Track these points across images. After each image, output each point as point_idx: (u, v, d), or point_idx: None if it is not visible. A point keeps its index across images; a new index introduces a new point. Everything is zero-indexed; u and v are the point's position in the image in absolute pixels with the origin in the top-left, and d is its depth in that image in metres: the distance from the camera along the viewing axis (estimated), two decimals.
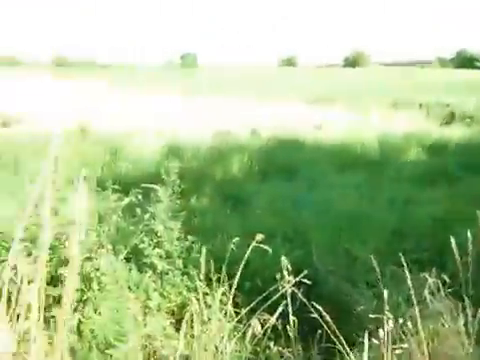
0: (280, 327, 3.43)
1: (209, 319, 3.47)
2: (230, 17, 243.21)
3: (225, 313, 3.50)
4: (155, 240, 4.40)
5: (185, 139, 13.58)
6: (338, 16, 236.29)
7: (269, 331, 3.38)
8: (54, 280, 3.83)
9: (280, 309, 3.31)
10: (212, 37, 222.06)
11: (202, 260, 3.88)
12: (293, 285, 3.37)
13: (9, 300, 2.97)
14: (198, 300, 3.65)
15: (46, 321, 3.69)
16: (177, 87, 37.97)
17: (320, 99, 28.84)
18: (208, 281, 3.83)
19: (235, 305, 3.64)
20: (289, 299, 3.30)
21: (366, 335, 2.81)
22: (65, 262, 3.72)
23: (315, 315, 3.18)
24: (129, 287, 4.02)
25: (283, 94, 32.01)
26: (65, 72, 66.27)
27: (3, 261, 3.45)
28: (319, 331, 3.32)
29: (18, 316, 2.93)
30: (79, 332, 3.59)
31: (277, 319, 3.36)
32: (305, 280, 3.33)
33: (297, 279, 3.36)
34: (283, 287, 3.32)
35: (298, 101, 28.02)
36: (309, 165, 10.68)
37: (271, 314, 3.38)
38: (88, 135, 12.50)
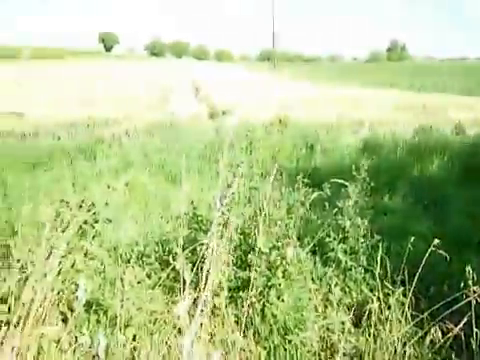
0: (463, 338, 3.27)
1: (387, 319, 3.44)
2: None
3: (403, 314, 3.44)
4: (341, 235, 4.44)
5: (384, 134, 13.30)
6: None
7: (450, 340, 3.24)
8: (244, 264, 4.11)
9: (465, 319, 3.15)
10: (423, 27, 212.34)
11: (386, 259, 3.86)
12: None
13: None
14: (379, 299, 3.64)
15: (234, 301, 3.99)
16: (381, 79, 37.09)
17: None
18: (390, 281, 3.79)
19: (416, 308, 3.56)
20: (473, 310, 3.12)
21: None
22: (253, 248, 3.98)
23: None
24: (312, 279, 4.14)
25: None
26: (271, 65, 68.84)
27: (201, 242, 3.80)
28: None
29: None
30: (262, 315, 3.80)
31: (461, 330, 3.21)
32: None
33: None
34: (468, 296, 3.15)
35: None
36: None
37: (454, 323, 3.23)
38: (287, 127, 12.89)
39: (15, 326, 2.37)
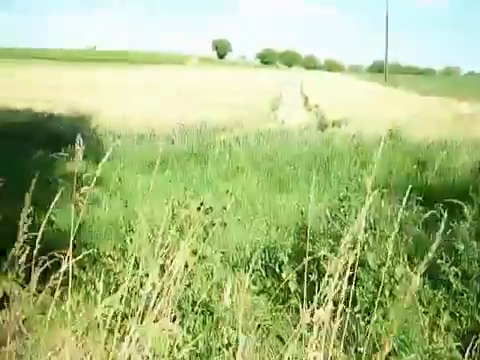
0: None
1: None
2: None
3: None
4: (454, 258, 4.28)
5: None
6: None
7: None
8: (350, 278, 4.07)
9: None
10: None
11: None
12: None
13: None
14: None
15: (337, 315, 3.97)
16: None
17: None
18: None
19: None
20: None
21: None
22: (361, 264, 3.93)
23: None
24: (420, 300, 4.02)
25: None
26: (382, 77, 67.34)
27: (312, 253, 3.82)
28: None
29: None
30: (366, 332, 3.75)
31: None
32: None
33: None
34: None
35: None
36: None
37: None
38: (398, 142, 12.56)
39: (132, 317, 2.52)
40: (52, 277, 2.51)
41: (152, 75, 47.78)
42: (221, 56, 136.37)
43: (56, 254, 2.55)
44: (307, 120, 18.31)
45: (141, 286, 2.92)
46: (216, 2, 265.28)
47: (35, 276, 2.57)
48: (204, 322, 3.90)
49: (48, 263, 2.59)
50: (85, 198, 2.49)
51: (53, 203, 2.79)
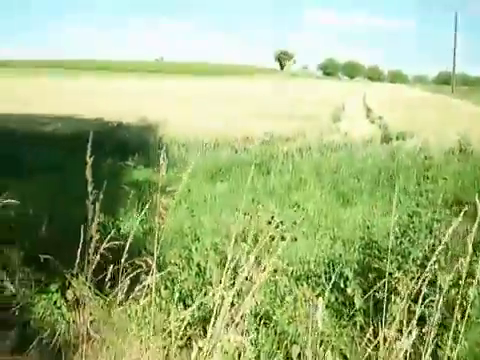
0: None
1: None
2: None
3: None
4: None
5: None
6: None
7: None
8: (418, 298, 3.93)
9: None
10: None
11: None
12: None
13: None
14: None
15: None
16: None
17: None
18: None
19: None
20: None
21: None
22: (431, 283, 3.78)
23: None
24: None
25: None
26: (449, 88, 65.56)
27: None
28: None
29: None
30: (435, 355, 3.59)
31: None
32: None
33: None
34: None
35: None
36: None
37: None
38: (469, 156, 12.12)
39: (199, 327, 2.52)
40: (137, 289, 2.55)
41: (216, 86, 48.46)
42: (283, 67, 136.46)
43: (142, 264, 2.58)
44: (371, 132, 17.97)
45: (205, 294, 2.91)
46: (279, 13, 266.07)
47: (124, 285, 2.61)
48: (267, 334, 3.85)
49: (129, 273, 2.62)
50: (167, 210, 2.51)
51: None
